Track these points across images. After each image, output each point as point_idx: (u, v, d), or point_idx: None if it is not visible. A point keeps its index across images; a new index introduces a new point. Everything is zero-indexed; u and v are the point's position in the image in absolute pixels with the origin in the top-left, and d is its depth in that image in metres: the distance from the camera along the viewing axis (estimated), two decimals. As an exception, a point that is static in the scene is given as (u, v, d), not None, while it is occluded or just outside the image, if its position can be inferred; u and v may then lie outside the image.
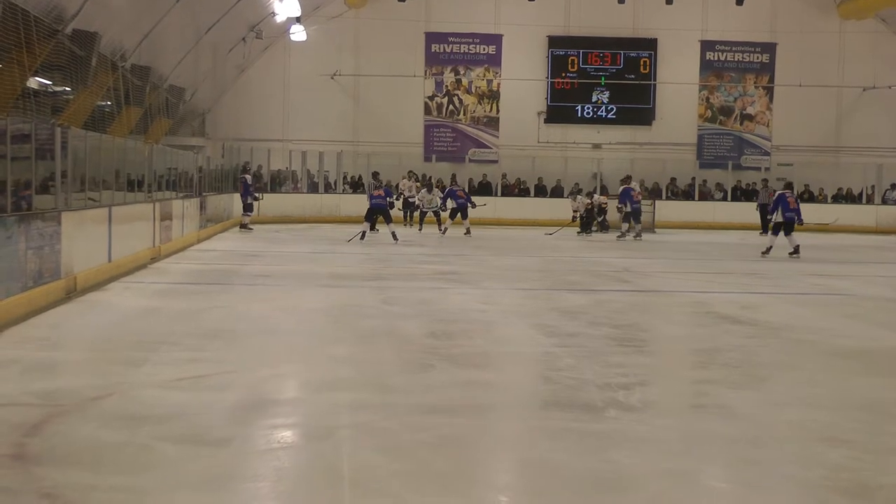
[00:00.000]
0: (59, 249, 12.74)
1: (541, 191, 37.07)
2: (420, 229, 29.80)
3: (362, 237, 25.09)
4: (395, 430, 6.75)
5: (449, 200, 29.16)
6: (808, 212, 35.68)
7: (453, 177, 35.85)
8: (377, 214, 25.89)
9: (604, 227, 30.84)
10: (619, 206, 28.90)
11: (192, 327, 11.10)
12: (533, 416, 7.52)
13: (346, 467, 5.94)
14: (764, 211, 32.70)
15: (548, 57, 38.38)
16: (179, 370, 8.68)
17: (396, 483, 5.68)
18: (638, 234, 28.44)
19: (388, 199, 26.40)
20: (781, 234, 22.49)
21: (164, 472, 5.79)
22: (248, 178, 30.05)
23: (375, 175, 31.75)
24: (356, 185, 36.60)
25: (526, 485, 5.88)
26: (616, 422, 7.18)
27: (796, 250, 22.24)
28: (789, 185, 24.55)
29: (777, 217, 22.70)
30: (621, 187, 29.36)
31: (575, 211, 30.93)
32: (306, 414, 7.38)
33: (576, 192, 33.07)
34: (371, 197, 26.18)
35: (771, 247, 22.50)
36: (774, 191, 34.21)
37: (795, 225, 22.52)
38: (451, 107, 38.13)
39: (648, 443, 6.60)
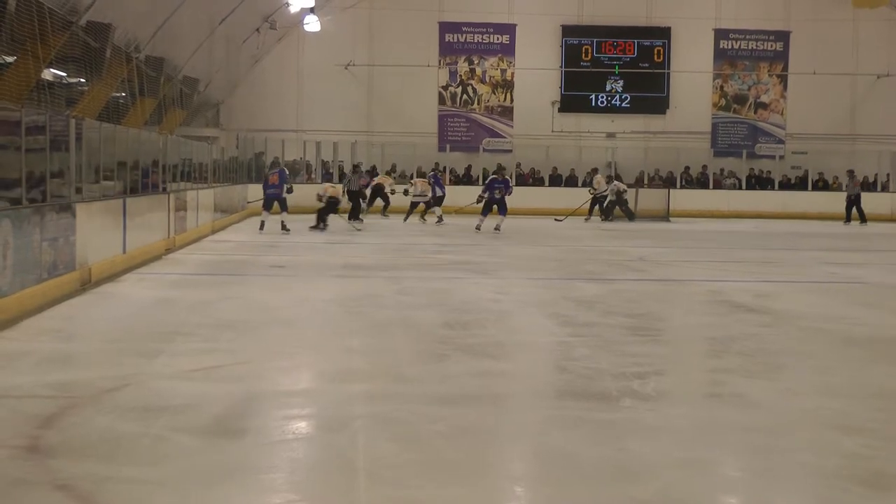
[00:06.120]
0: (74, 241, 12.75)
1: (555, 180, 36.99)
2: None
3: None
4: (410, 420, 6.75)
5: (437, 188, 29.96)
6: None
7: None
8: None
9: (629, 215, 31.09)
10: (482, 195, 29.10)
11: (206, 318, 11.10)
12: (547, 405, 7.51)
13: (360, 458, 5.93)
14: (850, 202, 32.61)
15: (561, 46, 38.28)
16: (194, 361, 8.70)
17: (411, 473, 5.68)
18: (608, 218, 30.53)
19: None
20: None
21: (179, 464, 5.80)
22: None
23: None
24: (371, 176, 36.59)
25: (540, 474, 5.87)
26: (631, 411, 7.18)
27: None
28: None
29: None
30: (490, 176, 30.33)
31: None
32: (321, 405, 7.38)
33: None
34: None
35: None
36: (860, 180, 34.15)
37: None
38: (465, 96, 38.07)
39: (663, 432, 6.59)
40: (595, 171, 34.55)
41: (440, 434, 6.46)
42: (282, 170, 25.97)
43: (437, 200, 29.73)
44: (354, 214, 27.59)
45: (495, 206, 25.11)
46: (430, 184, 30.13)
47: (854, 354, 9.77)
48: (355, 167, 32.10)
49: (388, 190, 31.39)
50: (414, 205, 29.81)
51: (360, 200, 28.83)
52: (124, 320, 10.99)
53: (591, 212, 31.74)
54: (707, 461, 6.03)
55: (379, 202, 31.44)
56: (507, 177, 27.67)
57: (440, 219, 29.11)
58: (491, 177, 26.59)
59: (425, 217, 29.54)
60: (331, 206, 25.64)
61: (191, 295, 12.99)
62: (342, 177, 35.86)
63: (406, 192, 30.09)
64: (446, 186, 31.74)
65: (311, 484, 5.62)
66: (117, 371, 8.21)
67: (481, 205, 25.70)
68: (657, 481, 5.61)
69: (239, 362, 8.72)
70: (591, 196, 31.95)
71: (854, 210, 32.33)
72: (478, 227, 25.13)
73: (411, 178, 33.28)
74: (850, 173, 33.99)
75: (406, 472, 5.70)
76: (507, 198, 25.37)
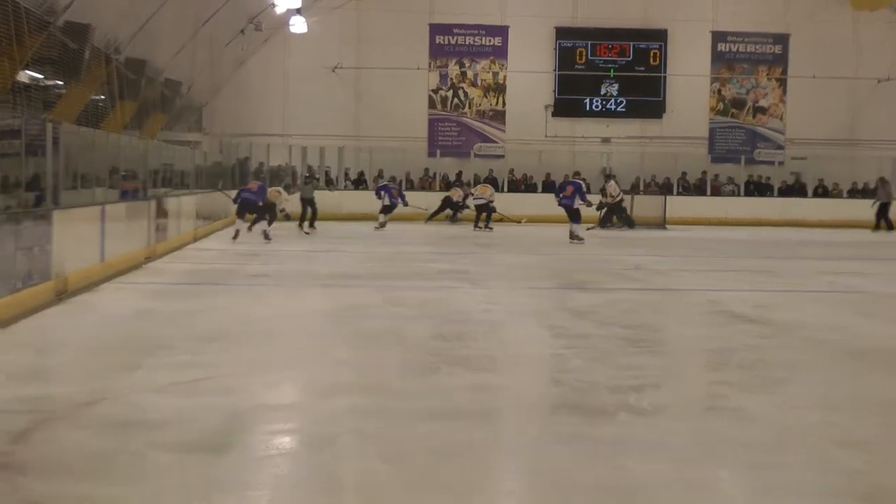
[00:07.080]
0: (50, 249, 12.55)
1: (549, 186, 36.58)
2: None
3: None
4: (399, 436, 6.71)
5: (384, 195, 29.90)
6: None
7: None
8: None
9: (628, 222, 30.90)
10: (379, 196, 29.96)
11: (188, 330, 10.99)
12: (541, 420, 7.43)
13: (347, 475, 5.89)
14: (881, 209, 32.52)
15: (555, 49, 38.13)
16: (175, 374, 8.57)
17: (399, 492, 5.64)
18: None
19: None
20: None
21: (158, 481, 5.72)
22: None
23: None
24: (358, 182, 36.45)
25: (534, 492, 5.80)
26: (627, 426, 7.09)
27: None
28: None
29: None
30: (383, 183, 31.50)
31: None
32: (307, 420, 7.31)
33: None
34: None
35: None
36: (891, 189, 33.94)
37: None
38: (455, 100, 37.90)
39: (660, 448, 6.52)
40: (608, 178, 34.01)
41: (430, 450, 6.39)
42: (262, 185, 25.38)
43: (386, 209, 29.42)
44: (307, 220, 28.04)
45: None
46: (381, 195, 29.97)
47: (854, 366, 9.70)
48: (307, 177, 32.78)
49: (455, 199, 31.75)
50: (479, 209, 29.84)
51: (310, 207, 28.59)
52: (102, 332, 10.90)
53: (607, 220, 31.46)
54: (705, 478, 5.99)
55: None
56: (575, 180, 27.43)
57: (382, 225, 29.00)
58: None
59: (480, 224, 29.72)
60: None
61: (172, 305, 12.86)
62: (329, 183, 35.81)
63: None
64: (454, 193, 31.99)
65: (296, 502, 5.57)
66: (94, 385, 8.04)
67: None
68: (654, 500, 5.59)
69: (222, 375, 8.61)
70: (605, 204, 31.58)
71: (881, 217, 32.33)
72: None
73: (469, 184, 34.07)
74: (882, 180, 33.81)
75: (394, 490, 5.67)
76: (577, 202, 24.62)
